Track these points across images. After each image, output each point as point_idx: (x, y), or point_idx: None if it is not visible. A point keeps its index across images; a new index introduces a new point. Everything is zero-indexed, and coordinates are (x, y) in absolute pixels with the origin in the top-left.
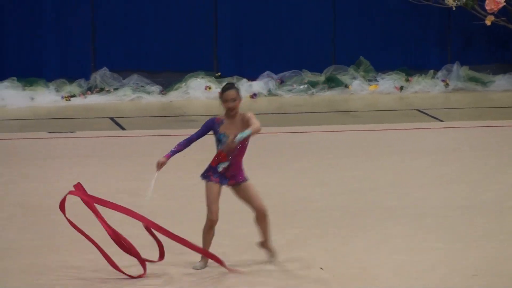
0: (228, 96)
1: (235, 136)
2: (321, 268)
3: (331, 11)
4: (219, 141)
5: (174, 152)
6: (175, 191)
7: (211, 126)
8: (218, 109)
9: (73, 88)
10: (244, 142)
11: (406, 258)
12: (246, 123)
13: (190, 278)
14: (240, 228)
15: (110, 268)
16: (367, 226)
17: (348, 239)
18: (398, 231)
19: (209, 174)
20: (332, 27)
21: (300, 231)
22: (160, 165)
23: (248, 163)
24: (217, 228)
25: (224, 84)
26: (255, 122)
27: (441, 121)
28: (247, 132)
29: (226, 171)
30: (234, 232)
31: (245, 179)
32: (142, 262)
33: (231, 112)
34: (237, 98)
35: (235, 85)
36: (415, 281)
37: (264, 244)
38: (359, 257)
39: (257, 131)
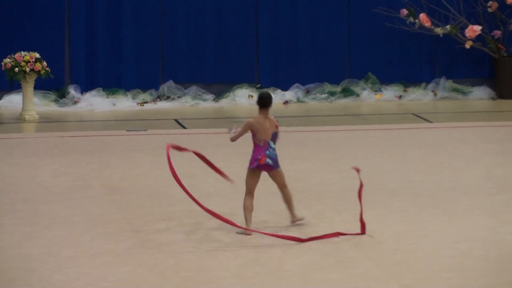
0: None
1: None
2: (338, 236)
3: (346, 37)
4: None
5: None
6: None
7: None
8: (257, 113)
9: (145, 96)
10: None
11: (404, 228)
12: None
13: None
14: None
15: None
16: (375, 202)
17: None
18: (399, 207)
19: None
20: (347, 49)
21: (323, 206)
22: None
23: (282, 154)
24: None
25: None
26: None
27: (431, 122)
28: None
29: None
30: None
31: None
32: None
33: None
34: None
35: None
36: (412, 245)
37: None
38: (368, 227)
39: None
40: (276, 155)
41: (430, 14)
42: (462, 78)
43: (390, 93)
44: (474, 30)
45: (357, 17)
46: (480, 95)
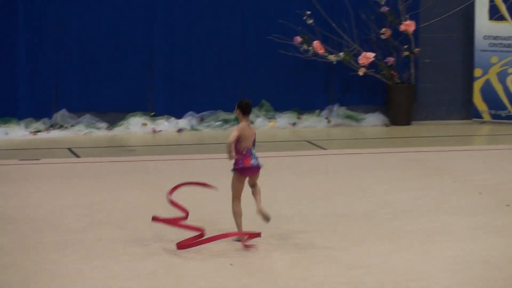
0: None
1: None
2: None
3: (240, 65)
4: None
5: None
6: None
7: None
8: (152, 141)
9: (38, 125)
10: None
11: (297, 255)
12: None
13: None
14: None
15: None
16: (268, 230)
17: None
18: (292, 234)
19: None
20: (241, 76)
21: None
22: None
23: (175, 183)
24: None
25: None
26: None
27: (325, 149)
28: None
29: None
30: None
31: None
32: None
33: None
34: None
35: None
36: (305, 273)
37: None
38: (260, 254)
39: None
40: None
41: (324, 41)
42: (356, 105)
43: (284, 120)
44: (367, 57)
45: (251, 44)
46: (373, 121)
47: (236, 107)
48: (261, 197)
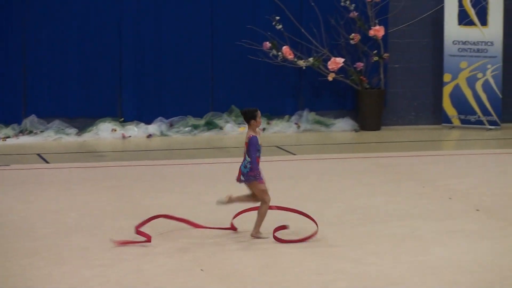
0: (260, 116)
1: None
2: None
3: (210, 70)
4: (259, 151)
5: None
6: None
7: (257, 142)
8: (121, 147)
9: (8, 131)
10: None
11: (267, 261)
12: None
13: None
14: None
15: None
16: (236, 237)
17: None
18: (262, 240)
19: (259, 173)
20: (211, 82)
21: (188, 240)
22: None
23: (146, 188)
24: None
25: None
26: None
27: (294, 154)
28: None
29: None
30: None
31: None
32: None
33: (259, 128)
34: None
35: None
36: (275, 278)
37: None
38: (229, 261)
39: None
40: (249, 170)
41: (293, 46)
42: (325, 110)
43: None
44: (336, 62)
45: (220, 50)
46: (342, 127)
47: None
48: (260, 221)
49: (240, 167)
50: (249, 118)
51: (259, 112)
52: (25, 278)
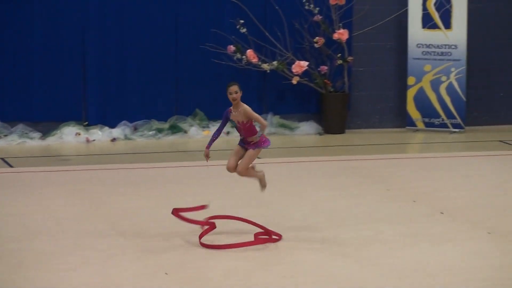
0: (231, 89)
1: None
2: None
3: (173, 74)
4: (233, 126)
5: (212, 141)
6: None
7: (226, 115)
8: (85, 150)
9: None
10: (246, 125)
11: (233, 264)
12: (246, 115)
13: None
14: None
15: None
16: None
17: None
18: (227, 242)
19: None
20: (175, 87)
21: (153, 243)
22: (207, 156)
23: (109, 192)
24: None
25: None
26: (262, 121)
27: (259, 158)
28: (260, 132)
29: (243, 141)
30: None
31: (253, 148)
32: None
33: (233, 102)
34: (238, 91)
35: (237, 82)
36: (240, 282)
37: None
38: (196, 264)
39: (265, 127)
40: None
41: (258, 50)
42: (289, 114)
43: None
44: (301, 65)
45: (184, 53)
46: (307, 130)
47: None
48: (253, 171)
49: (244, 139)
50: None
51: (229, 87)
52: None
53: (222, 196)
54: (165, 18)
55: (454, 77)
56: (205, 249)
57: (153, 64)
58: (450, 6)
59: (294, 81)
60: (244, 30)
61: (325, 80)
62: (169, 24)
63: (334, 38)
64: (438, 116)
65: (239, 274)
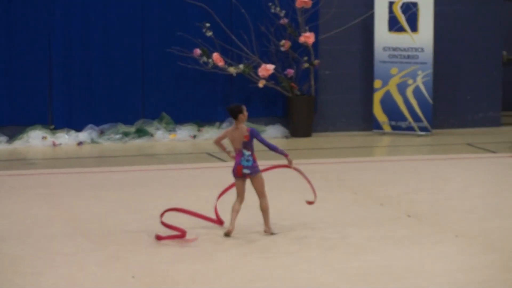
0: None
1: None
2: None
3: (140, 77)
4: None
5: (281, 150)
6: None
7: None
8: (52, 154)
9: None
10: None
11: (200, 267)
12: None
13: None
14: None
15: None
16: (168, 242)
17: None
18: (194, 245)
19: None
20: (141, 89)
21: (119, 247)
22: (291, 162)
23: (76, 195)
24: None
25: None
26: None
27: (225, 161)
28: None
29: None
30: None
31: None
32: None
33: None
34: None
35: None
36: (208, 285)
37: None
38: (162, 267)
39: None
40: (252, 162)
41: (224, 53)
42: (256, 117)
43: (184, 132)
44: (267, 69)
45: (151, 56)
46: (273, 133)
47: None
48: (267, 216)
49: (240, 162)
50: (236, 113)
51: (244, 106)
52: None
53: (188, 199)
54: (131, 22)
55: (421, 80)
56: (172, 252)
57: (119, 68)
58: (417, 9)
59: (261, 85)
60: (210, 33)
61: (292, 84)
62: (135, 27)
63: (300, 42)
64: (405, 119)
65: (206, 278)
